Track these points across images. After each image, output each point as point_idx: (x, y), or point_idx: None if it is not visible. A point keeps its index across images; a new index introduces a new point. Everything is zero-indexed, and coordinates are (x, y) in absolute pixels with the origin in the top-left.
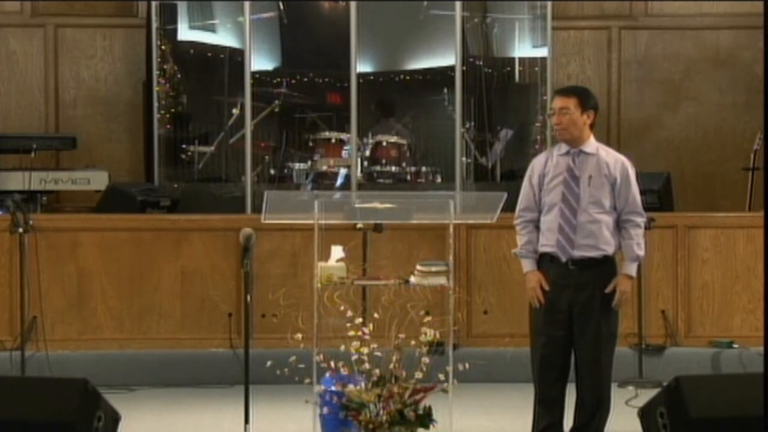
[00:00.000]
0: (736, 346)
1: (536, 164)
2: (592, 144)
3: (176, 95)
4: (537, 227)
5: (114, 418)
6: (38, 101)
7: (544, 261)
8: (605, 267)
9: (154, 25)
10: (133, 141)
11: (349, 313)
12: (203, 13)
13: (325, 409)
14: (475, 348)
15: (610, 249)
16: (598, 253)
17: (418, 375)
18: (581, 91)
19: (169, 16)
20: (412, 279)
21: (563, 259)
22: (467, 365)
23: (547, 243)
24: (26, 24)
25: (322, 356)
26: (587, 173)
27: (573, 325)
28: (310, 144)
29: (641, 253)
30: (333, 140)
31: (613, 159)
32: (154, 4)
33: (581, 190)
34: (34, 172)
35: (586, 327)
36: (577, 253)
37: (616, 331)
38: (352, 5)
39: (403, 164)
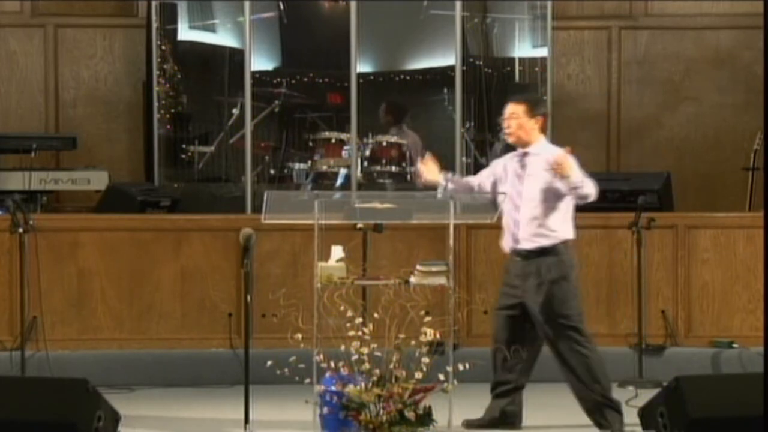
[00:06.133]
0: (736, 346)
1: (497, 163)
2: (539, 145)
3: (176, 95)
4: (472, 186)
5: (114, 418)
6: (38, 101)
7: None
8: (548, 257)
9: (154, 25)
10: (133, 141)
11: (349, 313)
12: (203, 13)
13: (325, 409)
14: (475, 348)
15: (546, 241)
16: (535, 245)
17: (418, 375)
18: (531, 99)
19: (169, 16)
20: (412, 279)
21: (510, 252)
22: (467, 365)
23: (504, 240)
24: (26, 24)
25: (322, 356)
26: (529, 172)
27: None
28: (310, 144)
29: (584, 182)
30: (333, 140)
31: (553, 153)
32: (154, 4)
33: (523, 187)
34: (34, 172)
35: (536, 313)
36: (519, 246)
37: (571, 312)
38: (352, 5)
39: (403, 164)
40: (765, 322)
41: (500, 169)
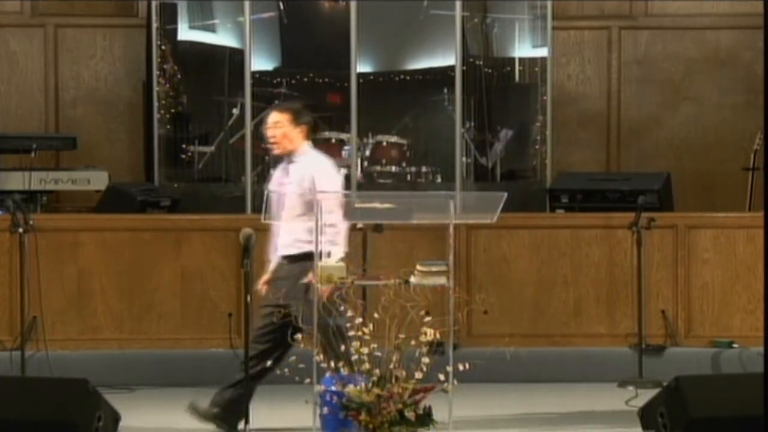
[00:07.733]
0: (736, 346)
1: (274, 174)
2: (301, 154)
3: (176, 95)
4: None
5: (114, 418)
6: (38, 101)
7: None
8: (304, 262)
9: (154, 25)
10: (133, 141)
11: (349, 313)
12: (203, 13)
13: (325, 409)
14: (475, 348)
15: (306, 247)
16: (293, 251)
17: (418, 375)
18: (294, 108)
19: (169, 16)
20: (412, 279)
21: (275, 257)
22: (467, 365)
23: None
24: (26, 24)
25: (322, 356)
26: (290, 180)
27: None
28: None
29: (330, 249)
30: (333, 140)
31: (312, 164)
32: (154, 4)
33: (285, 197)
34: (34, 172)
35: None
36: (280, 252)
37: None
38: (352, 5)
39: (403, 164)
40: (765, 322)
41: (275, 183)
